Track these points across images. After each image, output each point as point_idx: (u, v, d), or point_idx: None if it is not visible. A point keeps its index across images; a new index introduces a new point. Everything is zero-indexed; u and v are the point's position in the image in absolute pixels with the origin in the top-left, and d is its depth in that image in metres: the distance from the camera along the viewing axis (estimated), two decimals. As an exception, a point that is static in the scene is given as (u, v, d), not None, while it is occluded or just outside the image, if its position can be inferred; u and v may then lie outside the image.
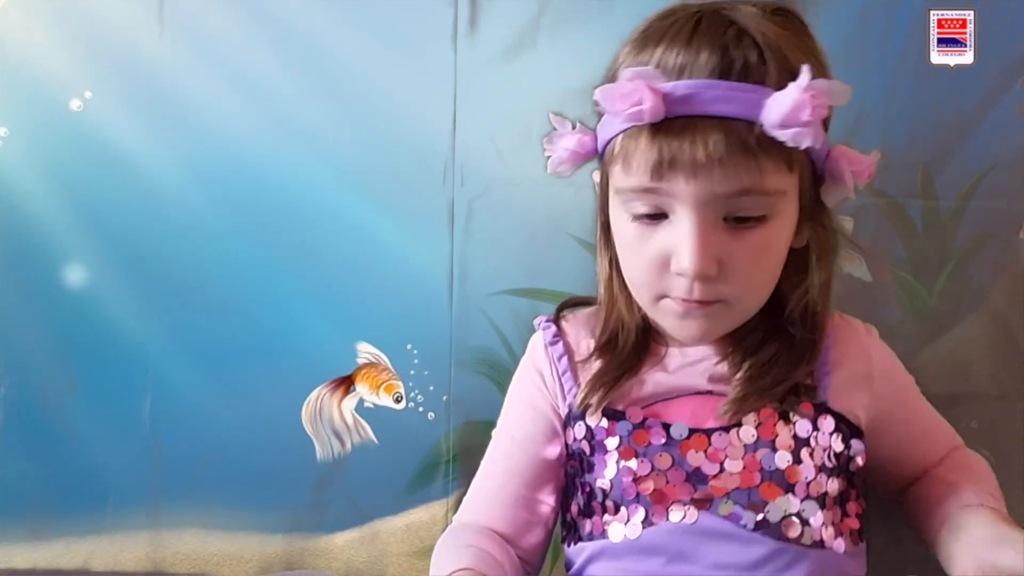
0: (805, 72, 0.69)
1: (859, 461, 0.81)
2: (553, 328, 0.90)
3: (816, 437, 0.79)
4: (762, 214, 0.74)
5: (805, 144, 0.69)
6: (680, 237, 0.73)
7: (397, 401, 1.09)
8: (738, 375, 0.80)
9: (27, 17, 1.10)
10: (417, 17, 1.09)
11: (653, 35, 0.76)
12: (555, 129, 0.83)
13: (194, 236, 1.11)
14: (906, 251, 1.06)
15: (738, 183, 0.71)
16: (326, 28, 1.10)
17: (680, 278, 0.75)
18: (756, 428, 0.78)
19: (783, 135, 0.69)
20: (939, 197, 1.05)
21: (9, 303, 1.12)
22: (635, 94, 0.71)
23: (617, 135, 0.75)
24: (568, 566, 0.85)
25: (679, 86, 0.71)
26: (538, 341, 0.91)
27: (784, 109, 0.69)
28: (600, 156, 0.82)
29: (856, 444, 0.81)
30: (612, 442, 0.81)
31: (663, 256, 0.75)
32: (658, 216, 0.75)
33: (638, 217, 0.76)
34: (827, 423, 0.79)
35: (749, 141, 0.70)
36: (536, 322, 0.92)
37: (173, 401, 1.11)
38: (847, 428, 0.81)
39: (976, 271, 1.05)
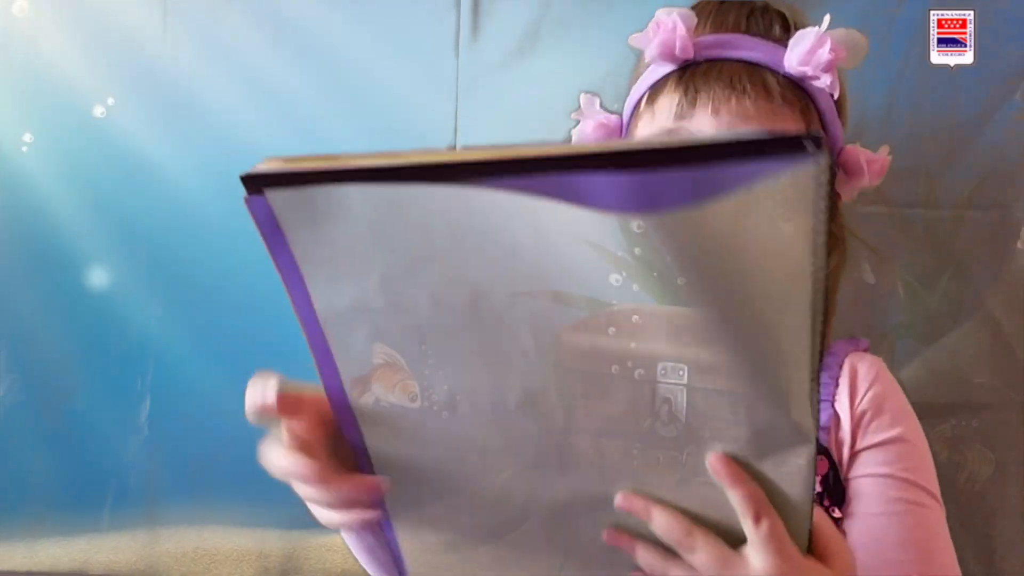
0: (826, 19, 0.74)
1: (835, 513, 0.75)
2: None
3: None
4: None
5: (824, 83, 0.73)
6: None
7: (412, 400, 1.10)
8: None
9: (51, 25, 1.13)
10: (420, 23, 1.11)
11: None
12: (580, 108, 0.87)
13: (213, 238, 1.12)
14: (908, 257, 1.06)
15: (758, 122, 0.73)
16: (331, 34, 1.11)
17: None
18: None
19: (804, 71, 0.73)
20: (941, 205, 1.06)
21: (26, 305, 1.13)
22: (669, 22, 0.75)
23: (644, 94, 0.79)
24: None
25: (708, 36, 0.76)
26: None
27: (805, 47, 0.73)
28: (624, 132, 0.85)
29: (828, 498, 0.75)
30: None
31: None
32: None
33: None
34: (820, 465, 0.75)
35: (771, 84, 0.74)
36: None
37: (174, 402, 1.12)
38: (834, 478, 0.76)
39: (976, 278, 1.06)
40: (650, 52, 0.77)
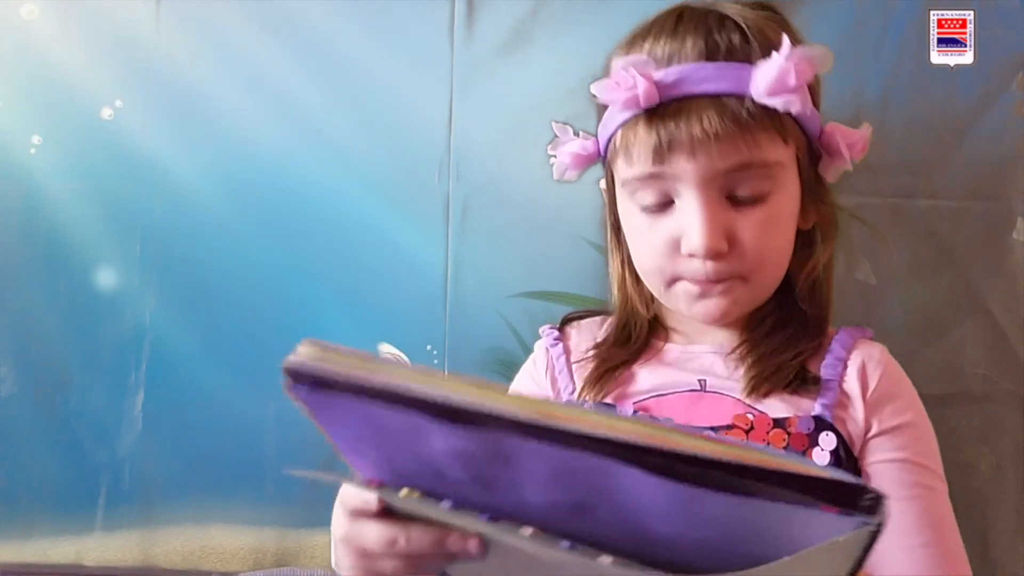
0: (786, 41, 0.72)
1: None
2: (556, 333, 0.92)
3: (813, 454, 0.76)
4: (764, 190, 0.76)
5: (795, 109, 0.72)
6: (688, 218, 0.76)
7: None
8: (749, 362, 0.81)
9: (60, 29, 1.14)
10: (415, 14, 1.12)
11: (641, 33, 0.80)
12: (557, 137, 0.87)
13: (215, 238, 1.13)
14: (907, 251, 1.07)
15: (737, 157, 0.74)
16: (326, 27, 1.12)
17: (692, 260, 0.77)
18: (747, 433, 0.77)
19: (773, 102, 0.72)
20: (940, 197, 1.06)
21: (25, 302, 1.14)
22: (628, 80, 0.74)
23: (617, 130, 0.79)
24: None
25: (669, 72, 0.75)
26: (540, 345, 0.93)
27: (770, 77, 0.72)
28: (604, 157, 0.85)
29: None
30: None
31: (673, 241, 0.77)
32: (665, 204, 0.78)
33: (645, 208, 0.79)
34: (828, 440, 0.76)
35: (741, 114, 0.73)
36: (541, 330, 0.94)
37: (168, 397, 1.13)
38: (844, 452, 0.77)
39: (975, 272, 1.06)
40: (614, 108, 0.77)
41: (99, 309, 1.13)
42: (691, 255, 0.76)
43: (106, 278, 1.14)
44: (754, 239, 0.76)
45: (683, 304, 0.81)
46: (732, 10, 0.78)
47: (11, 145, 1.14)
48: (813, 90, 0.78)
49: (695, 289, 0.79)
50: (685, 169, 0.74)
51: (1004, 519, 1.05)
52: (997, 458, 1.04)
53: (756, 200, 0.76)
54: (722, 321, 0.82)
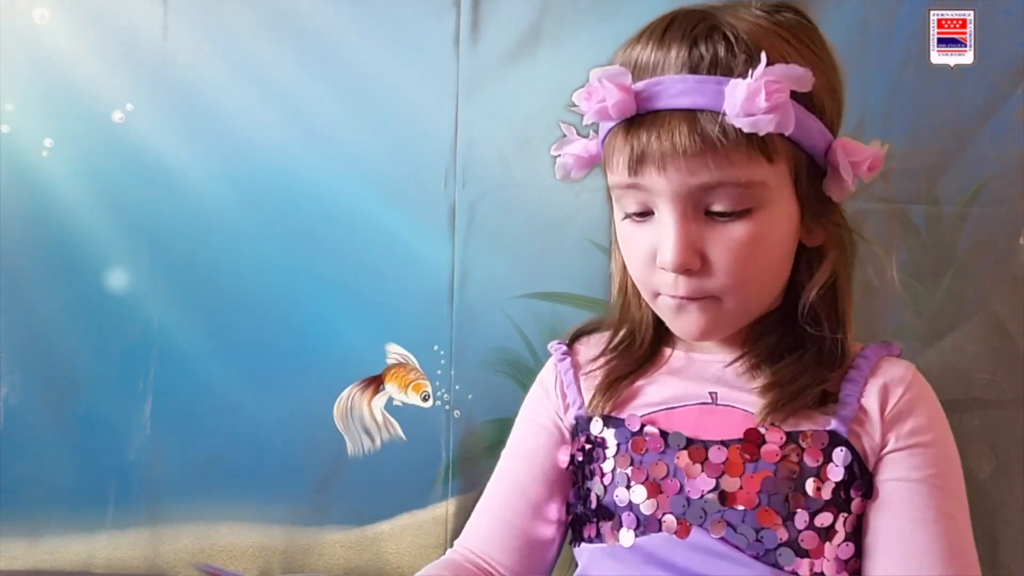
0: (763, 59, 0.69)
1: (852, 508, 0.75)
2: (564, 347, 0.90)
3: (827, 469, 0.74)
4: (744, 207, 0.73)
5: (765, 131, 0.69)
6: (662, 231, 0.74)
7: (425, 400, 1.11)
8: (760, 381, 0.78)
9: (71, 32, 1.15)
10: (421, 22, 1.13)
11: (635, 37, 0.77)
12: (564, 136, 0.85)
13: (228, 241, 1.14)
14: (909, 256, 1.06)
15: (708, 175, 0.71)
16: (333, 33, 1.14)
17: (667, 274, 0.75)
18: (758, 447, 0.75)
19: (744, 123, 0.69)
20: (942, 202, 1.06)
21: (35, 305, 1.16)
22: (599, 92, 0.73)
23: (606, 135, 0.77)
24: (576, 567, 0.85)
25: (649, 83, 0.72)
26: (549, 362, 0.92)
27: (740, 96, 0.68)
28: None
29: (855, 488, 0.75)
30: (611, 449, 0.81)
31: (651, 252, 0.76)
32: (646, 213, 0.76)
33: (629, 215, 0.77)
34: (842, 455, 0.75)
35: (713, 132, 0.70)
36: (550, 346, 0.92)
37: (176, 401, 1.14)
38: (859, 468, 0.75)
39: (978, 276, 1.06)
40: (587, 118, 0.76)
41: (108, 311, 1.15)
42: (663, 268, 0.75)
43: (115, 281, 1.15)
44: (728, 257, 0.73)
45: (667, 318, 0.80)
46: (727, 17, 0.74)
47: (23, 148, 1.16)
48: (821, 104, 0.75)
49: (673, 304, 0.77)
50: (657, 182, 0.72)
51: (1011, 523, 1.04)
52: (1003, 462, 1.04)
53: (735, 217, 0.73)
54: (703, 339, 0.80)
